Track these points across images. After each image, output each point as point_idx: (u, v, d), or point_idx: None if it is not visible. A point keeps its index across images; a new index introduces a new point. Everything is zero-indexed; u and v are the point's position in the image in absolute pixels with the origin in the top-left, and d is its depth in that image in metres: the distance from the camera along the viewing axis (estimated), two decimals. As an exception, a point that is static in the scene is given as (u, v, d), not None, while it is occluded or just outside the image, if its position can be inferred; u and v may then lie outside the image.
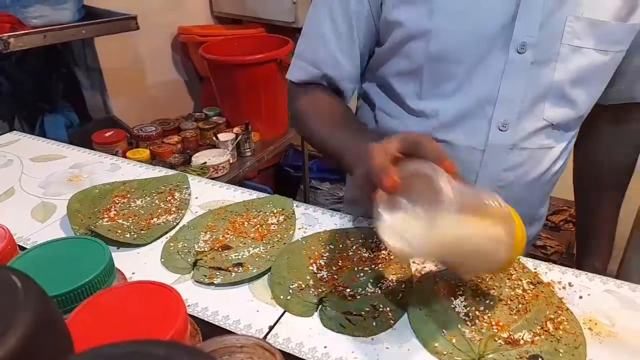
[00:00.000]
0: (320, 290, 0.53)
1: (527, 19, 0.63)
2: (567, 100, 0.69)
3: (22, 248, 0.61)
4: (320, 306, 0.52)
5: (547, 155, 0.73)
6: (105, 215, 0.67)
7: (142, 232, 0.64)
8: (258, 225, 0.65)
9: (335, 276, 0.55)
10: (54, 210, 0.70)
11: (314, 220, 0.67)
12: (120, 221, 0.66)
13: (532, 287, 0.54)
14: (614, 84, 0.74)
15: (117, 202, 0.70)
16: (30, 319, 0.23)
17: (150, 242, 0.63)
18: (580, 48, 0.65)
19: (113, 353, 0.20)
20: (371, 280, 0.55)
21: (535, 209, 0.81)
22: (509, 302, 0.52)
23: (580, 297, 0.53)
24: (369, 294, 0.53)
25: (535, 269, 0.58)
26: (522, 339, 0.47)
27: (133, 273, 0.57)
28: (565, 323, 0.49)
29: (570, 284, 0.55)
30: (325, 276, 0.55)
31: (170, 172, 0.81)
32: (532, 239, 0.89)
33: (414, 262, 0.59)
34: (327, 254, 0.59)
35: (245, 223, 0.66)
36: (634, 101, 0.76)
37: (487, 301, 0.52)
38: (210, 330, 0.49)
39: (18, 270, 0.24)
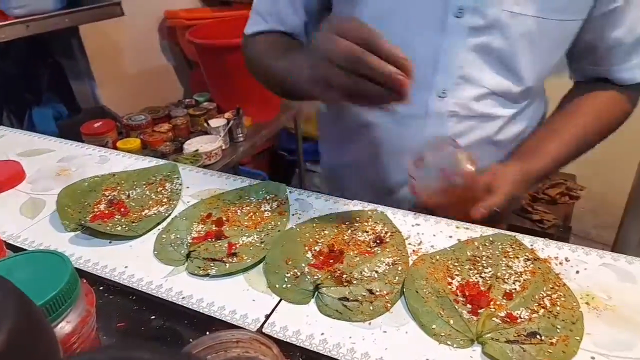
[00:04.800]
0: (316, 277, 0.53)
1: None
2: (507, 69, 0.69)
3: (13, 247, 0.61)
4: (316, 293, 0.51)
5: (489, 123, 0.72)
6: (95, 209, 0.66)
7: (134, 224, 0.63)
8: (251, 213, 0.64)
9: (331, 262, 0.55)
10: (43, 205, 0.69)
11: (308, 206, 0.66)
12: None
13: (528, 264, 0.54)
14: (587, 60, 0.74)
15: (107, 194, 0.69)
16: (10, 325, 0.22)
17: (142, 235, 0.62)
18: (520, 14, 0.64)
19: (99, 359, 0.19)
20: (367, 265, 0.54)
21: None
22: (505, 281, 0.52)
23: (577, 272, 0.53)
24: (365, 278, 0.53)
25: (531, 245, 0.57)
26: (520, 316, 0.47)
27: (126, 267, 0.56)
28: (563, 299, 0.49)
29: (566, 259, 0.55)
30: (320, 263, 0.55)
31: (161, 162, 0.80)
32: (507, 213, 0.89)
33: (409, 244, 0.58)
34: (322, 239, 0.59)
35: (238, 211, 0.65)
36: (609, 78, 0.75)
37: (484, 280, 0.52)
38: (206, 321, 0.49)
39: (-6, 276, 0.24)
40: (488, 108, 0.71)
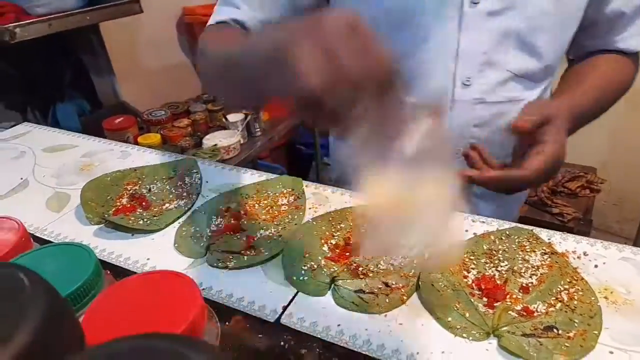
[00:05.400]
0: (332, 269, 0.53)
1: None
2: (528, 49, 0.68)
3: (39, 239, 0.63)
4: (332, 285, 0.52)
5: (515, 107, 0.71)
6: (118, 203, 0.68)
7: (155, 218, 0.64)
8: (269, 207, 0.65)
9: (347, 254, 0.55)
10: (67, 199, 0.71)
11: (324, 200, 0.67)
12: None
13: (545, 257, 0.54)
14: (587, 34, 0.74)
15: (129, 189, 0.71)
16: (40, 315, 0.23)
17: (164, 228, 0.63)
18: None
19: (119, 348, 0.20)
20: (383, 258, 0.55)
21: None
22: (522, 274, 0.51)
23: (596, 266, 0.53)
24: (380, 270, 0.53)
25: (549, 239, 0.57)
26: (537, 310, 0.47)
27: (148, 259, 0.58)
28: (580, 293, 0.49)
29: (585, 253, 0.55)
30: (337, 255, 0.55)
31: (180, 157, 0.81)
32: (519, 201, 0.89)
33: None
34: (338, 233, 0.59)
35: (256, 205, 0.66)
36: (609, 49, 0.75)
37: (500, 274, 0.52)
38: (225, 312, 0.50)
39: (24, 266, 0.25)
40: (513, 92, 0.71)
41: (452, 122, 0.71)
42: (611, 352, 0.43)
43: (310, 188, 0.70)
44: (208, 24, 0.72)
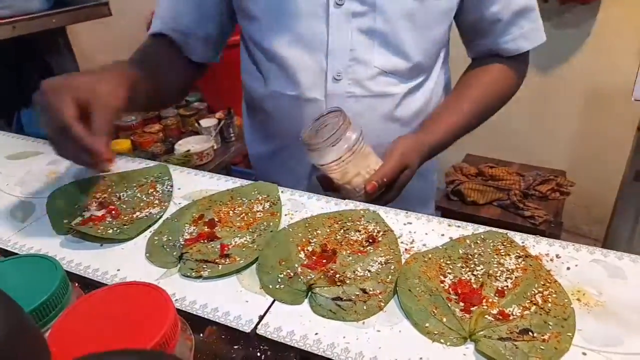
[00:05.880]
0: (309, 277, 0.53)
1: None
2: (394, 48, 0.74)
3: (3, 251, 0.60)
4: (309, 293, 0.51)
5: (385, 100, 0.78)
6: (86, 211, 0.66)
7: (125, 227, 0.62)
8: (243, 214, 0.64)
9: (324, 261, 0.55)
10: (32, 209, 0.68)
11: (300, 206, 0.66)
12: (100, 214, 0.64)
13: (520, 261, 0.54)
14: (475, 37, 0.82)
15: (98, 197, 0.69)
16: (1, 330, 0.22)
17: (134, 237, 0.61)
18: None
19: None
20: (360, 264, 0.54)
21: None
22: (497, 278, 0.52)
23: (568, 269, 0.54)
24: (358, 277, 0.53)
25: (523, 242, 0.58)
26: (512, 313, 0.47)
27: (118, 270, 0.56)
28: (554, 295, 0.49)
29: (557, 256, 0.56)
30: (313, 263, 0.55)
31: (151, 163, 0.79)
32: (424, 193, 0.95)
33: (402, 243, 0.58)
34: (315, 239, 0.59)
35: (231, 212, 0.65)
36: (497, 54, 0.82)
37: (476, 278, 0.52)
38: (199, 323, 0.49)
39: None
40: (382, 86, 0.76)
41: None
42: (584, 354, 0.44)
43: (285, 194, 0.69)
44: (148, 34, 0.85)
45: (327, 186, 0.74)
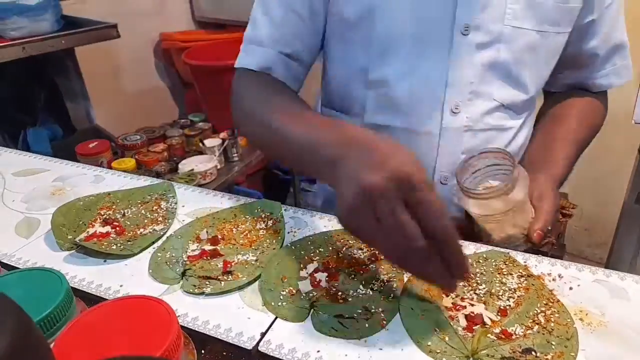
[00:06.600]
0: (311, 294, 0.53)
1: (469, 1, 0.66)
2: (514, 81, 0.72)
3: (8, 266, 0.60)
4: (312, 310, 0.51)
5: (501, 135, 0.75)
6: (90, 228, 0.66)
7: (129, 243, 0.63)
8: (247, 231, 0.65)
9: (327, 279, 0.55)
10: (38, 225, 0.69)
11: (303, 224, 0.67)
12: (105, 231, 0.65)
13: (522, 280, 0.54)
14: (570, 69, 0.80)
15: (102, 213, 0.69)
16: (7, 340, 0.22)
17: (138, 253, 0.62)
18: (520, 28, 0.68)
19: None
20: (362, 282, 0.54)
21: None
22: (500, 297, 0.52)
23: (571, 289, 0.54)
24: (360, 295, 0.53)
25: (525, 262, 0.58)
26: (515, 333, 0.47)
27: (121, 285, 0.56)
28: (557, 315, 0.49)
29: (560, 276, 0.56)
30: (316, 280, 0.55)
31: (156, 181, 0.80)
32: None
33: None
34: (317, 257, 0.59)
35: (234, 229, 0.65)
36: (586, 85, 0.82)
37: (478, 297, 0.52)
38: (201, 339, 0.49)
39: (-7, 291, 0.24)
40: (500, 120, 0.74)
41: (441, 149, 0.72)
42: (588, 374, 0.43)
43: (289, 212, 0.69)
44: (237, 65, 0.76)
45: (464, 234, 0.63)
